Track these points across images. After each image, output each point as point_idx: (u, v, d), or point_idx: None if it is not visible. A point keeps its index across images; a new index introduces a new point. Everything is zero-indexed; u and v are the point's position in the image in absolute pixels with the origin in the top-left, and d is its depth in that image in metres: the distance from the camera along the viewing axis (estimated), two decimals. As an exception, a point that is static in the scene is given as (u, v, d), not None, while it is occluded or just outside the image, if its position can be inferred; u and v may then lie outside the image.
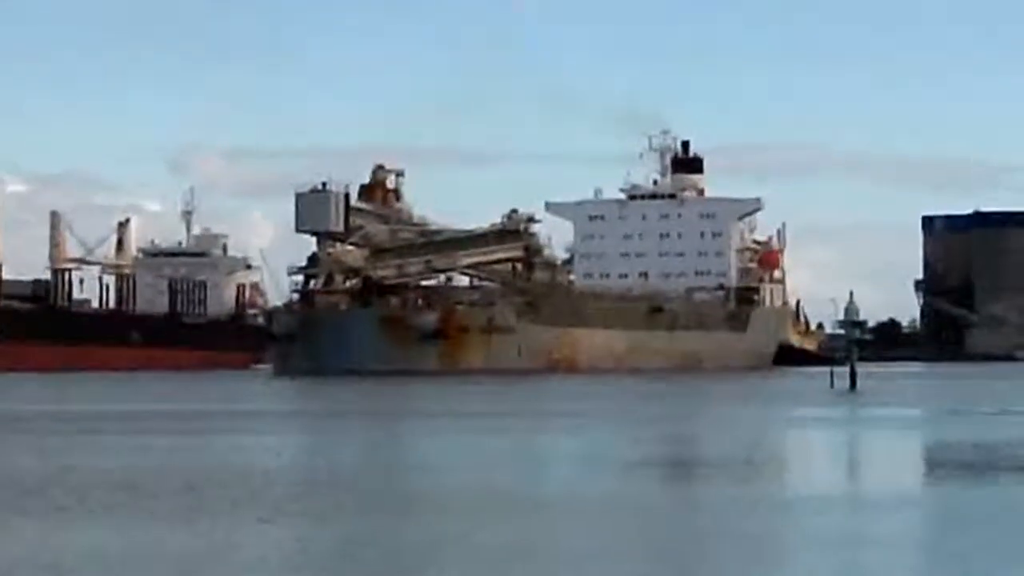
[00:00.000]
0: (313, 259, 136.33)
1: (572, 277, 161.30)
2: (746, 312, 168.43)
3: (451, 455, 35.97)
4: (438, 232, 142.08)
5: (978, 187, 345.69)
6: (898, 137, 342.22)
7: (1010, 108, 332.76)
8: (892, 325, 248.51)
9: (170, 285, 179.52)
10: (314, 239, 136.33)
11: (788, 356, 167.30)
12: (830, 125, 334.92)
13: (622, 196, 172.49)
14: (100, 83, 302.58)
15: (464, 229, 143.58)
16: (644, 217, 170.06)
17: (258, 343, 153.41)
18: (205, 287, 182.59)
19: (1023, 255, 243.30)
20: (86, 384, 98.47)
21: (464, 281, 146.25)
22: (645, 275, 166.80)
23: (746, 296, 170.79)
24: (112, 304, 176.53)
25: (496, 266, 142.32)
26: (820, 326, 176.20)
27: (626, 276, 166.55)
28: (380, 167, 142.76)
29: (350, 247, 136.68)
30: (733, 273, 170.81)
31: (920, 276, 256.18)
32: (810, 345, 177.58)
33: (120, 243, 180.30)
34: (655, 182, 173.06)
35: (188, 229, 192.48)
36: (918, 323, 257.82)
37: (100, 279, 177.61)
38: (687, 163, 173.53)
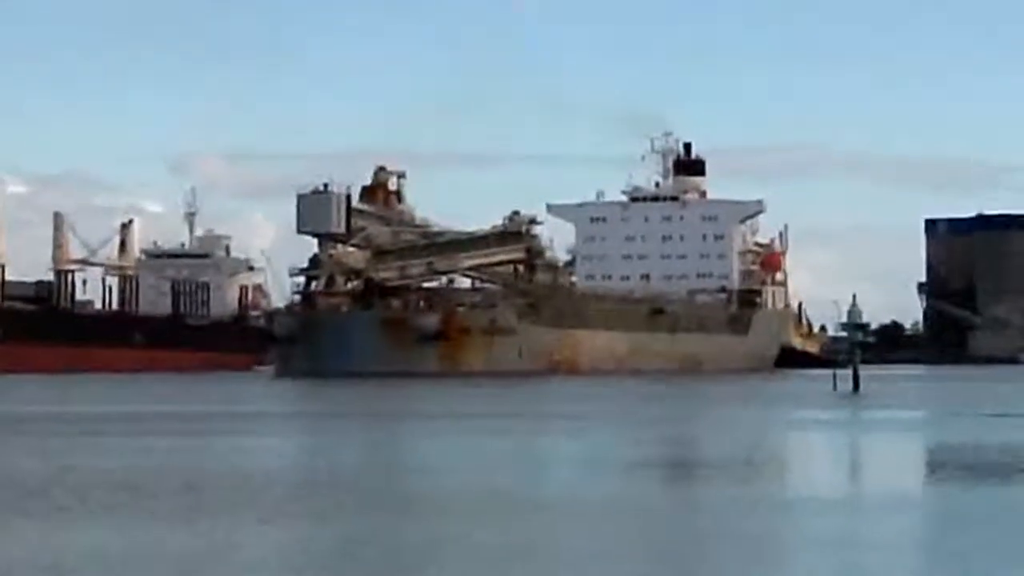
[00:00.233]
0: (314, 261, 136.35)
1: (574, 279, 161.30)
2: (748, 314, 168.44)
3: (451, 456, 35.98)
4: (440, 234, 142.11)
5: (979, 188, 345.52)
6: (899, 138, 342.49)
7: (1012, 108, 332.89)
8: (895, 328, 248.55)
9: (173, 286, 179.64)
10: (315, 240, 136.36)
11: (790, 359, 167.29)
12: (830, 126, 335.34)
13: (624, 198, 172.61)
14: (99, 83, 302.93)
15: (466, 231, 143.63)
16: (646, 219, 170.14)
17: (261, 345, 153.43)
18: (208, 288, 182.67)
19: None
20: (88, 385, 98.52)
21: (466, 283, 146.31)
22: (647, 277, 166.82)
23: (748, 298, 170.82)
24: (115, 305, 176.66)
25: (498, 268, 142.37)
26: (823, 328, 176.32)
27: (628, 278, 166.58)
28: (382, 168, 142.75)
29: (351, 248, 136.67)
30: (735, 275, 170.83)
31: (923, 278, 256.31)
32: (812, 348, 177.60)
33: (123, 244, 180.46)
34: (657, 184, 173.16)
35: (191, 230, 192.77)
36: (921, 325, 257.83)
37: (103, 280, 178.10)
38: (689, 165, 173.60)
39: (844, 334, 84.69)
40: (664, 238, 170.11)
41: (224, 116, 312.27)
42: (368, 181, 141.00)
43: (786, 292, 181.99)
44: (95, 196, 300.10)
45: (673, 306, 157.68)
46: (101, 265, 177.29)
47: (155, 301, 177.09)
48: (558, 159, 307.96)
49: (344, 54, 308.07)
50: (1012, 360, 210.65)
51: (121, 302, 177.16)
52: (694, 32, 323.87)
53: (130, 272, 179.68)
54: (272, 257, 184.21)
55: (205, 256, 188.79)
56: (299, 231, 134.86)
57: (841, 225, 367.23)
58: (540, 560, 18.88)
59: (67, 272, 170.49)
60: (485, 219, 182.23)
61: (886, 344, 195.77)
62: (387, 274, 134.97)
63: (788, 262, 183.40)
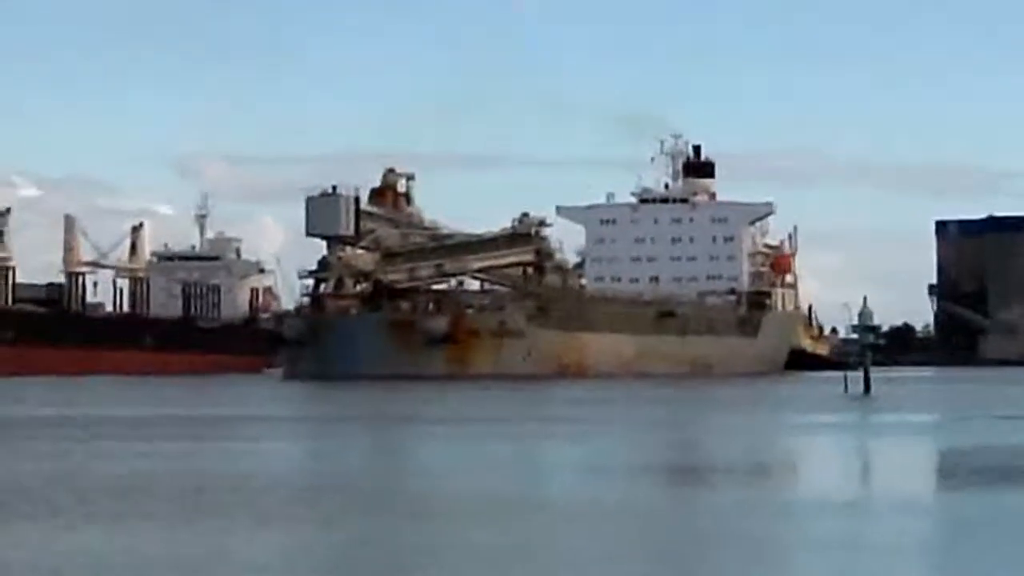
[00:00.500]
0: (323, 263, 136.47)
1: (583, 281, 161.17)
2: (757, 317, 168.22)
3: (456, 460, 35.96)
4: (449, 236, 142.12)
5: (987, 189, 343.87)
6: (904, 141, 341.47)
7: (1017, 110, 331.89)
8: (906, 330, 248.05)
9: (183, 289, 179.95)
10: (324, 243, 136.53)
11: (800, 361, 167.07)
12: (833, 128, 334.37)
13: (633, 200, 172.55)
14: (99, 84, 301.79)
15: (475, 233, 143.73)
16: (656, 221, 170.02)
17: (271, 347, 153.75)
18: (219, 291, 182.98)
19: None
20: (97, 388, 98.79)
21: (475, 285, 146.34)
22: (656, 279, 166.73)
23: (758, 301, 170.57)
24: (126, 308, 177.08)
25: (507, 270, 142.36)
26: (834, 330, 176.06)
27: (637, 280, 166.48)
28: (391, 171, 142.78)
29: (360, 251, 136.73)
30: (745, 278, 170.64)
31: (933, 280, 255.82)
32: (822, 350, 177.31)
33: (133, 247, 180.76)
34: (667, 186, 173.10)
35: (202, 233, 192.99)
36: (932, 328, 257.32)
37: (114, 283, 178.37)
38: (699, 167, 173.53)
39: (855, 336, 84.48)
40: (674, 240, 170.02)
41: (224, 117, 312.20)
42: (375, 183, 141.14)
43: (796, 294, 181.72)
44: (103, 199, 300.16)
45: (682, 308, 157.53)
46: (112, 268, 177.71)
47: (166, 304, 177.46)
48: (562, 162, 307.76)
49: (343, 54, 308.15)
50: (1023, 363, 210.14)
51: (132, 305, 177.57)
52: (694, 32, 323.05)
53: (141, 275, 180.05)
54: (282, 259, 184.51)
55: (216, 259, 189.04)
56: (308, 234, 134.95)
57: (851, 227, 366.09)
58: (542, 562, 18.87)
59: (78, 275, 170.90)
60: (489, 221, 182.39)
61: (897, 346, 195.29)
62: (396, 276, 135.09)
63: (798, 264, 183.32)
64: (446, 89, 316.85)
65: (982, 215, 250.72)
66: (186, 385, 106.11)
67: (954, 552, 20.07)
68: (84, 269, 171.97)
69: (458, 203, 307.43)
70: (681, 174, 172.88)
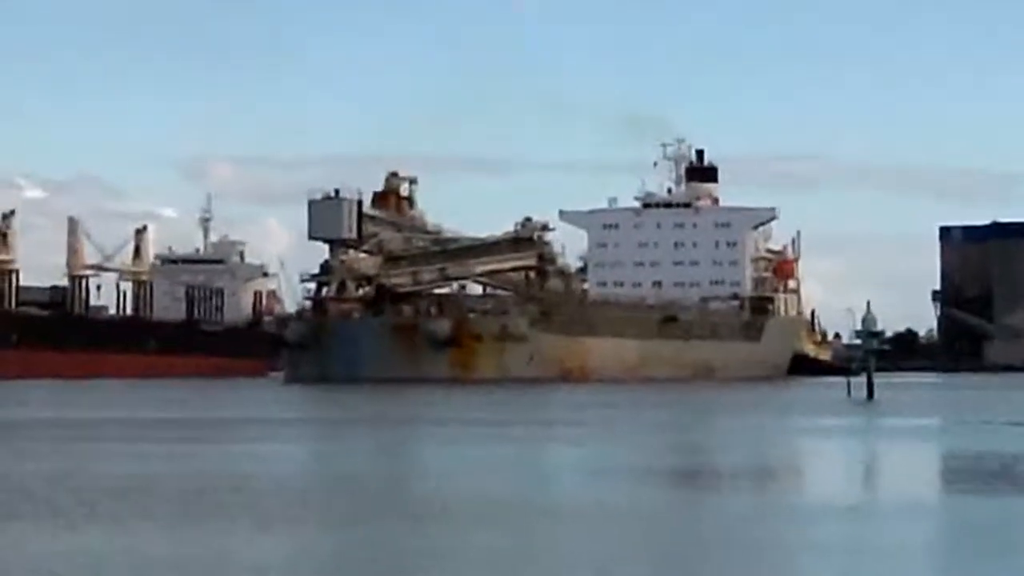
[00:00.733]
0: (326, 266, 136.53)
1: (586, 286, 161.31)
2: (760, 322, 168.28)
3: (459, 462, 35.85)
4: (452, 240, 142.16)
5: (991, 192, 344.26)
6: (906, 144, 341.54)
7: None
8: (909, 335, 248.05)
9: (187, 292, 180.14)
10: (327, 246, 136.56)
11: (803, 366, 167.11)
12: (835, 131, 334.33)
13: (636, 205, 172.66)
14: (99, 85, 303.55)
15: (478, 237, 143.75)
16: (659, 226, 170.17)
17: (274, 350, 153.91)
18: (222, 294, 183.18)
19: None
20: (100, 391, 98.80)
21: (477, 289, 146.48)
22: (659, 284, 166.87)
23: (760, 306, 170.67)
24: (129, 311, 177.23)
25: (510, 274, 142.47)
26: (837, 336, 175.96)
27: (640, 285, 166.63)
28: (393, 174, 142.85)
29: (363, 254, 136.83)
30: (748, 283, 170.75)
31: (937, 286, 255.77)
32: (825, 355, 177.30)
33: (137, 250, 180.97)
34: (669, 191, 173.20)
35: (206, 236, 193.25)
36: (935, 333, 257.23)
37: (117, 286, 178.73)
38: (701, 172, 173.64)
39: (858, 341, 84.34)
40: (676, 245, 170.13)
41: (225, 118, 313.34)
42: (377, 186, 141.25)
43: (799, 299, 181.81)
44: (106, 201, 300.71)
45: (685, 313, 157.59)
46: (116, 271, 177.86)
47: (169, 307, 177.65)
48: (564, 165, 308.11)
49: (343, 54, 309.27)
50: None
51: (135, 308, 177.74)
52: (695, 32, 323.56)
53: (144, 278, 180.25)
54: (286, 262, 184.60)
55: (220, 262, 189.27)
56: (311, 237, 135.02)
57: (854, 232, 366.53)
58: (545, 565, 18.82)
59: (81, 277, 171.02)
60: (492, 225, 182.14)
61: (900, 352, 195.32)
62: (398, 280, 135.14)
63: (800, 269, 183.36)
64: (446, 90, 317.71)
65: (986, 218, 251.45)
66: (189, 388, 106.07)
67: (959, 557, 19.98)
68: (88, 272, 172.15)
69: (461, 207, 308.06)
70: (684, 179, 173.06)
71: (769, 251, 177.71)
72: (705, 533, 22.30)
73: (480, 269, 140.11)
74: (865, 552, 19.93)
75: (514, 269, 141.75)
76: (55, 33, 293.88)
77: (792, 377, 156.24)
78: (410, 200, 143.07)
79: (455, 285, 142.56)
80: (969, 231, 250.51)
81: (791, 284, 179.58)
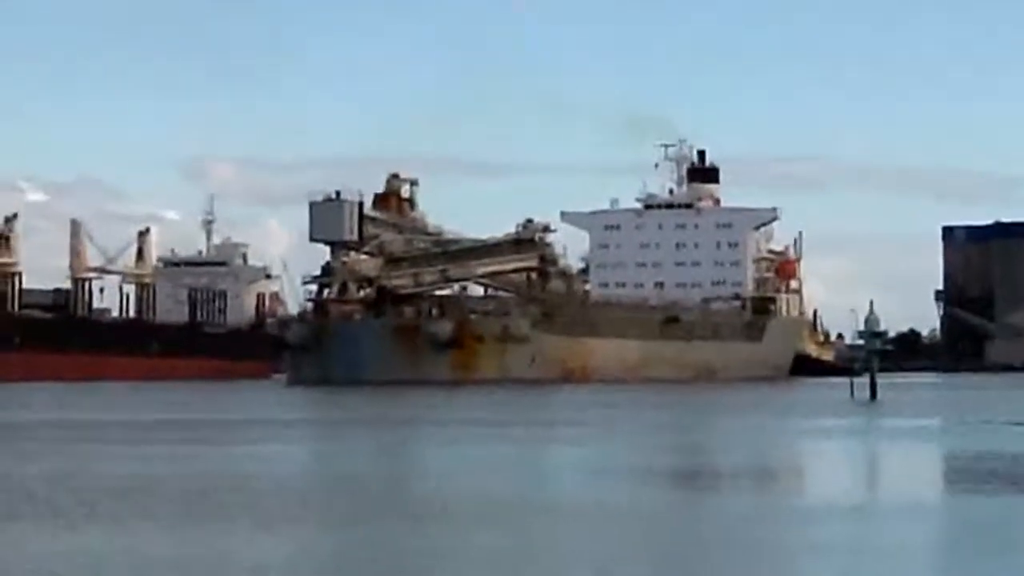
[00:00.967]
0: (327, 268, 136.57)
1: (587, 287, 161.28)
2: (762, 322, 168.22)
3: (461, 462, 35.86)
4: (453, 241, 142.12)
5: (993, 192, 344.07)
6: (908, 144, 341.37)
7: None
8: (912, 335, 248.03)
9: (190, 295, 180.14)
10: (328, 248, 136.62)
11: (805, 367, 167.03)
12: (836, 131, 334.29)
13: (638, 205, 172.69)
14: (99, 86, 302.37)
15: (479, 238, 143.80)
16: (660, 227, 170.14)
17: (277, 352, 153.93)
18: (225, 296, 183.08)
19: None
20: (101, 393, 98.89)
21: (479, 291, 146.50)
22: (661, 285, 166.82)
23: (762, 306, 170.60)
24: (132, 313, 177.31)
25: (511, 275, 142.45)
26: (840, 336, 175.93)
27: (642, 286, 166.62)
28: (394, 176, 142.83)
29: (364, 256, 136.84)
30: (749, 283, 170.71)
31: (940, 286, 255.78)
32: (827, 356, 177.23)
33: (140, 252, 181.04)
34: (671, 191, 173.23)
35: (208, 238, 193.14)
36: (938, 333, 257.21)
37: (120, 288, 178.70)
38: (703, 173, 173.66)
39: (861, 342, 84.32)
40: (678, 246, 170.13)
41: (225, 119, 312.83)
42: (378, 188, 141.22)
43: (800, 300, 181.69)
44: (109, 203, 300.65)
45: (687, 314, 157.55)
46: (118, 273, 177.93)
47: (172, 309, 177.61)
48: (565, 166, 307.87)
49: (343, 55, 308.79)
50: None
51: (138, 310, 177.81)
52: (695, 33, 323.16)
53: (147, 280, 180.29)
54: (288, 264, 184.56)
55: (222, 264, 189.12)
56: (312, 239, 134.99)
57: (856, 233, 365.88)
58: (546, 565, 18.83)
59: (84, 280, 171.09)
60: (494, 227, 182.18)
61: (903, 352, 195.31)
62: (400, 282, 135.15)
63: (803, 269, 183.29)
64: (446, 90, 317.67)
65: (988, 218, 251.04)
66: (191, 391, 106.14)
67: (959, 556, 19.98)
68: (91, 274, 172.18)
69: (462, 209, 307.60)
70: (685, 179, 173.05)
71: (771, 251, 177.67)
72: (706, 533, 22.29)
73: (481, 270, 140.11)
74: (866, 552, 19.93)
75: (516, 270, 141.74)
76: (55, 33, 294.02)
77: (794, 378, 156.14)
78: (411, 202, 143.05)
79: (456, 286, 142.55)
80: (972, 231, 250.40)
81: (793, 284, 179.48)
